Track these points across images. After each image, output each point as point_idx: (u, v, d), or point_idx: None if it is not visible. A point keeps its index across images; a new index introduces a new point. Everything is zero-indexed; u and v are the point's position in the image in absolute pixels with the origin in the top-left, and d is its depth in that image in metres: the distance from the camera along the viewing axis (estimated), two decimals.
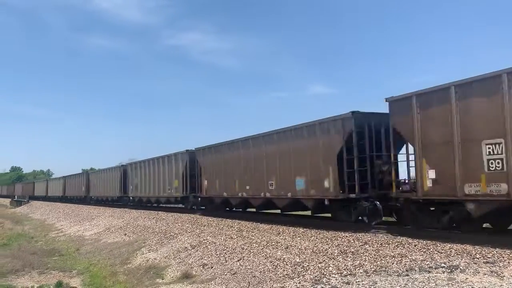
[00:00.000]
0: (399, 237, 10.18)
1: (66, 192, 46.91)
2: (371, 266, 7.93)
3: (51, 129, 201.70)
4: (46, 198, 55.45)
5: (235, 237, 13.15)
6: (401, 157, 11.68)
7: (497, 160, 8.58)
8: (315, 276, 7.96)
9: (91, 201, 38.71)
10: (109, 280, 11.93)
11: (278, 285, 8.15)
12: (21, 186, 73.22)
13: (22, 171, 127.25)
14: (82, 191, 40.62)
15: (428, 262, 7.65)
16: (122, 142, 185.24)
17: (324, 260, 8.93)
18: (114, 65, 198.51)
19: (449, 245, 8.78)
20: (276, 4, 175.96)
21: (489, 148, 8.73)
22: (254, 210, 18.22)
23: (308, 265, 8.80)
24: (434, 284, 6.31)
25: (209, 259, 11.40)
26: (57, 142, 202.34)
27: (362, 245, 9.84)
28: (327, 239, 10.99)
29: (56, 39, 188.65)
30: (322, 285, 7.32)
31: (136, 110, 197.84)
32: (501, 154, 8.50)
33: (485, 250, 8.07)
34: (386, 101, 11.07)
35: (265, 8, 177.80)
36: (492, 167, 8.66)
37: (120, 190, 31.23)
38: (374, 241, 9.99)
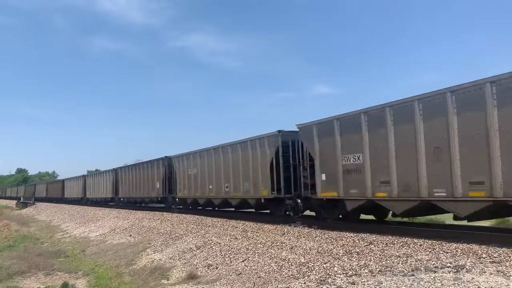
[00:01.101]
0: (404, 237, 10.14)
1: (120, 192, 32.91)
2: (377, 266, 7.90)
3: (56, 131, 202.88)
4: (82, 201, 41.97)
5: (240, 237, 13.15)
6: None
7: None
8: (320, 277, 7.95)
9: (174, 206, 24.60)
10: (114, 281, 11.95)
11: (283, 285, 8.13)
12: (44, 187, 61.22)
13: (28, 173, 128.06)
14: (156, 190, 26.14)
15: (433, 262, 7.61)
16: (127, 144, 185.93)
17: (329, 261, 8.91)
18: (119, 67, 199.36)
19: (455, 244, 8.74)
20: (280, 5, 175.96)
21: None
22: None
23: (313, 266, 8.79)
24: (440, 284, 6.28)
25: (214, 259, 11.41)
26: (61, 144, 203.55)
27: (367, 245, 9.81)
28: (332, 239, 10.97)
29: (61, 41, 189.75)
30: (327, 285, 7.31)
31: (140, 111, 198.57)
32: None
33: (491, 250, 8.02)
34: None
35: (268, 9, 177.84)
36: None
37: (273, 188, 15.41)
38: (379, 241, 9.96)
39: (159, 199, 26.32)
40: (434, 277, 6.66)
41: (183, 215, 21.57)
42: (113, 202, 34.63)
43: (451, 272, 6.89)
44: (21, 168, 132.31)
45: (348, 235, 11.19)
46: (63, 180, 52.17)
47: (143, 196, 28.78)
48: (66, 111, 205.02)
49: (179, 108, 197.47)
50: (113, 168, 34.84)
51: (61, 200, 49.57)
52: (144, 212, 26.15)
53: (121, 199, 33.54)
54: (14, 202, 66.76)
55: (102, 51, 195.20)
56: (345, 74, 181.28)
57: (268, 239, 12.21)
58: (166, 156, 25.43)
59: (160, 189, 25.86)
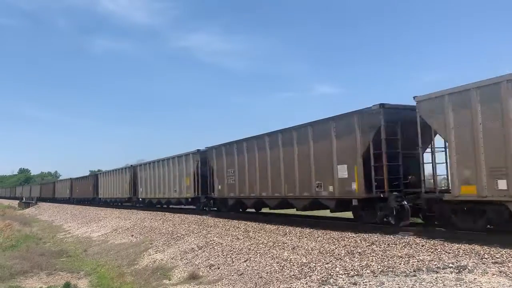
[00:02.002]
0: (406, 237, 10.12)
1: (200, 190, 21.38)
2: (378, 267, 7.89)
3: (56, 131, 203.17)
4: (130, 203, 30.59)
5: (242, 237, 13.15)
6: None
7: None
8: (322, 277, 7.94)
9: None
10: (116, 281, 11.97)
11: (285, 286, 8.14)
12: (66, 185, 48.02)
13: (30, 173, 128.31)
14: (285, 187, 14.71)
15: (435, 263, 7.60)
16: (128, 144, 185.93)
17: (331, 261, 8.91)
18: (121, 67, 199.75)
19: (457, 245, 8.72)
20: (282, 5, 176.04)
21: None
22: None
23: (315, 266, 8.79)
24: (442, 284, 6.27)
25: (216, 260, 11.42)
26: (62, 144, 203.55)
27: (369, 245, 9.79)
28: (334, 240, 10.96)
29: (62, 41, 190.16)
30: (329, 286, 7.31)
31: (142, 111, 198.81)
32: None
33: (493, 250, 8.00)
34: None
35: (270, 9, 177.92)
36: None
37: None
38: (381, 242, 9.94)
39: None
40: (436, 278, 6.65)
41: (185, 215, 21.60)
42: (195, 205, 22.32)
43: (453, 273, 6.88)
44: (23, 168, 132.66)
45: (350, 235, 11.18)
46: (96, 175, 38.81)
47: None
48: (66, 112, 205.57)
49: (181, 108, 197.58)
50: (198, 150, 21.91)
51: (94, 201, 37.30)
52: (146, 212, 26.17)
53: (211, 202, 20.96)
54: (17, 202, 66.08)
55: (104, 52, 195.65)
56: (347, 74, 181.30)
57: (270, 239, 12.20)
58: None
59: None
